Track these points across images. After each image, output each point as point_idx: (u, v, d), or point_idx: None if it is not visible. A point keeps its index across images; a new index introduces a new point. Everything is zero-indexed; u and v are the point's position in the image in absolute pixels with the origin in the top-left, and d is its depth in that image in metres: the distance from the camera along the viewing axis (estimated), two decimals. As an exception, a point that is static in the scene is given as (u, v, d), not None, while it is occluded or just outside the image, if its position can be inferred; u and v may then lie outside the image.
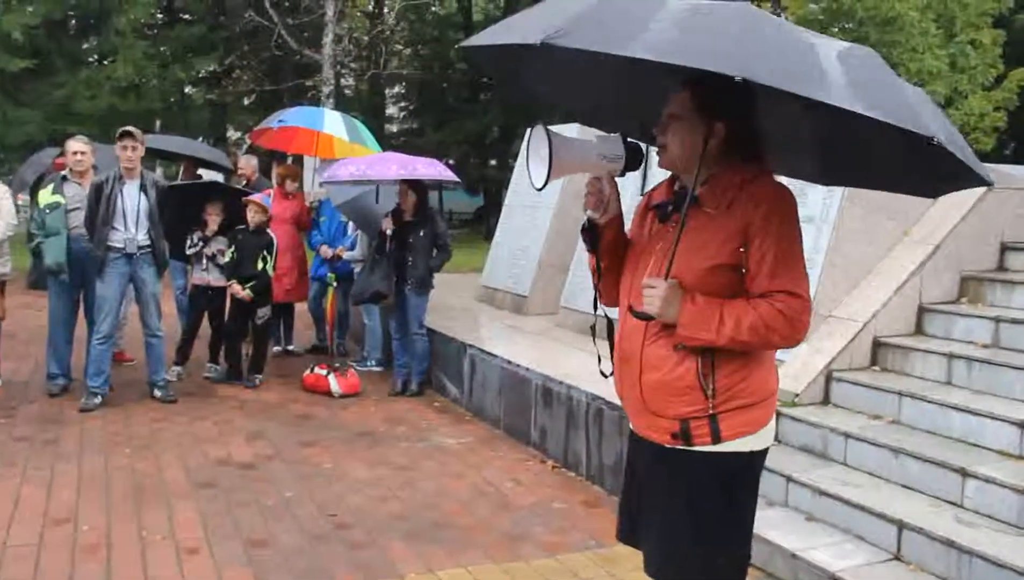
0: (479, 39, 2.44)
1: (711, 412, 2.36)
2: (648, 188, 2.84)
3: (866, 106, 1.95)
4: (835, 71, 2.00)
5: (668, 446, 2.44)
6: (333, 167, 7.52)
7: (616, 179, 2.48)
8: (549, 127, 2.33)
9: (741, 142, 2.39)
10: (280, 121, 8.91)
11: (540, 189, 2.39)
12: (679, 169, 2.47)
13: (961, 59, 19.34)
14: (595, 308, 2.57)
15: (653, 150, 2.53)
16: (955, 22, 19.44)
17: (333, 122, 8.83)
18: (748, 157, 2.41)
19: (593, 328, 2.70)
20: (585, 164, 2.45)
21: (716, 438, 2.37)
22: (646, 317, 2.38)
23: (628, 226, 2.63)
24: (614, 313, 2.58)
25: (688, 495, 2.43)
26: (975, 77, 19.50)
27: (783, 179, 2.55)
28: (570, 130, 8.54)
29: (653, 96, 2.47)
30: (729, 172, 2.38)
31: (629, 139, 2.44)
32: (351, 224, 8.28)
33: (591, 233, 2.53)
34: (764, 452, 2.49)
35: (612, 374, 2.58)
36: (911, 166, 2.32)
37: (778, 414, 4.84)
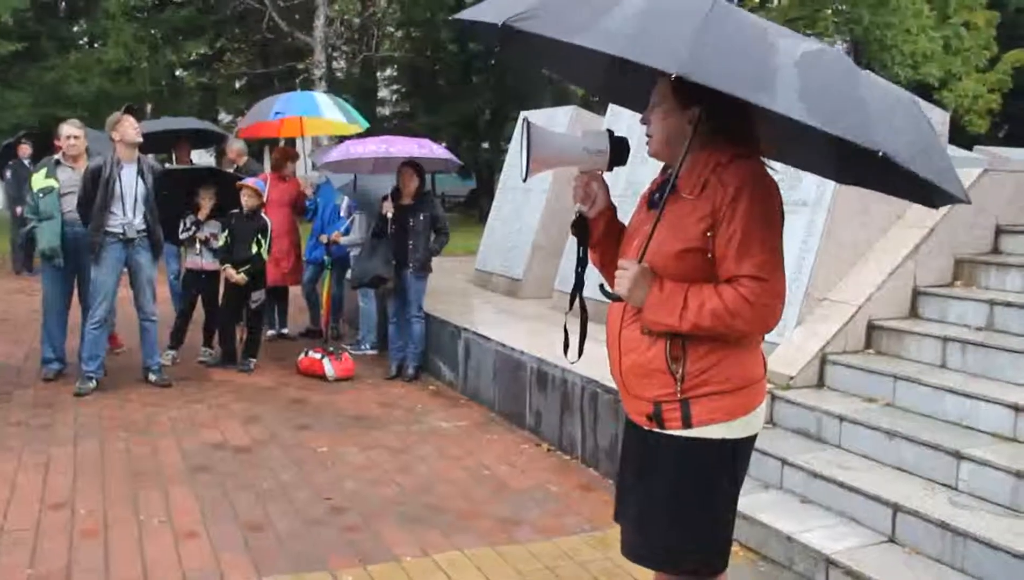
0: (468, 13, 2.45)
1: (681, 396, 2.35)
2: None
3: (807, 112, 1.91)
4: (789, 76, 1.95)
5: (646, 428, 2.46)
6: (341, 147, 7.51)
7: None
8: (532, 120, 2.34)
9: (726, 126, 2.33)
10: (277, 113, 8.85)
11: (524, 181, 2.45)
12: (662, 156, 2.46)
13: (955, 41, 19.36)
14: (573, 296, 2.55)
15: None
16: (949, 3, 19.44)
17: (328, 107, 8.82)
18: (737, 140, 2.36)
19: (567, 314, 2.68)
20: (569, 158, 2.46)
21: (687, 423, 2.35)
22: (616, 298, 2.40)
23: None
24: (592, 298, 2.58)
25: (663, 479, 2.43)
26: (969, 59, 19.51)
27: (778, 165, 2.52)
28: (564, 114, 8.52)
29: (647, 82, 2.44)
30: (706, 156, 2.35)
31: (616, 134, 2.43)
32: (344, 208, 8.26)
33: (580, 227, 2.53)
34: (747, 441, 2.45)
35: (576, 362, 2.58)
36: (899, 175, 2.14)
37: (773, 397, 4.87)
